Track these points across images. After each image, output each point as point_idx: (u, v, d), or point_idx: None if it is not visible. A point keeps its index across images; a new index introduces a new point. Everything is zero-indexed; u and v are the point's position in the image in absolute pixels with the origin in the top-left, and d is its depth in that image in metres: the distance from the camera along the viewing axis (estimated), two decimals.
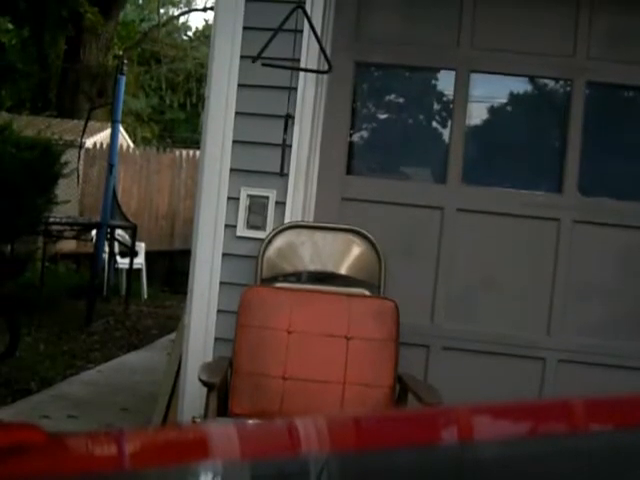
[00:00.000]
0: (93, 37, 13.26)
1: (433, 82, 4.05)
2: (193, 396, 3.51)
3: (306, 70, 3.60)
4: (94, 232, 8.93)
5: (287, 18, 3.42)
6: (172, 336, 6.24)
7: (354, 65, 3.81)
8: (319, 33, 3.51)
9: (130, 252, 9.26)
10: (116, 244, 9.33)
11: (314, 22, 3.49)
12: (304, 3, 3.50)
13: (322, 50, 3.51)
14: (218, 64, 3.67)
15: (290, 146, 3.63)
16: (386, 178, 3.90)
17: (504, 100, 3.97)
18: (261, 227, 3.68)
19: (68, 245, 10.04)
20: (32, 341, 6.59)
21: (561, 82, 3.89)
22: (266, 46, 3.38)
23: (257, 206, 3.69)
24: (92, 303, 7.77)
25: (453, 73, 3.79)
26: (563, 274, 3.69)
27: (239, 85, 3.65)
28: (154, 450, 1.11)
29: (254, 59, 3.43)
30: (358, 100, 3.96)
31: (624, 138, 3.82)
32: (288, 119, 3.61)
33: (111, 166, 8.65)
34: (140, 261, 9.78)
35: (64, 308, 8.13)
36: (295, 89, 3.63)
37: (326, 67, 3.56)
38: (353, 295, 3.51)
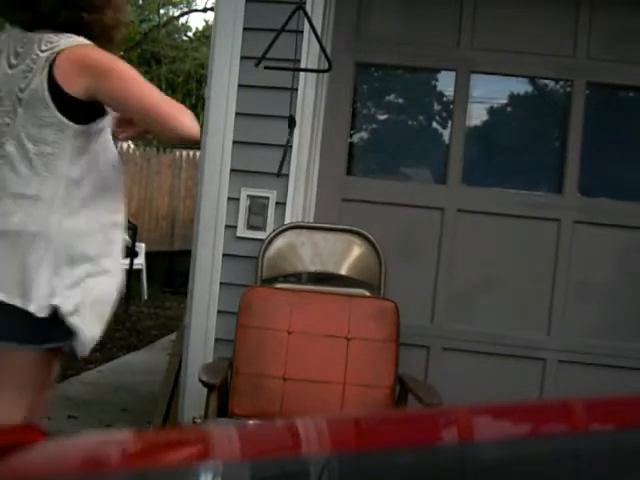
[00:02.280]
0: None
1: (433, 82, 4.04)
2: (193, 396, 3.51)
3: (307, 70, 3.60)
4: None
5: (289, 19, 3.41)
6: (172, 337, 6.24)
7: (354, 65, 3.81)
8: (319, 33, 3.51)
9: (130, 253, 9.26)
10: None
11: (314, 22, 3.49)
12: (304, 3, 3.50)
13: (322, 49, 3.50)
14: (218, 65, 3.67)
15: (290, 147, 3.63)
16: (386, 179, 3.90)
17: (504, 100, 3.97)
18: (261, 228, 3.68)
19: None
20: None
21: (561, 82, 3.88)
22: (268, 49, 3.38)
23: (257, 207, 3.69)
24: None
25: (453, 73, 3.79)
26: (563, 274, 3.69)
27: (239, 86, 3.65)
28: (154, 450, 1.11)
29: (257, 62, 3.43)
30: (358, 101, 3.96)
31: (624, 138, 3.82)
32: (292, 120, 3.61)
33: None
34: (140, 262, 9.78)
35: None
36: (295, 90, 3.63)
37: (326, 67, 3.55)
38: (353, 296, 3.51)
